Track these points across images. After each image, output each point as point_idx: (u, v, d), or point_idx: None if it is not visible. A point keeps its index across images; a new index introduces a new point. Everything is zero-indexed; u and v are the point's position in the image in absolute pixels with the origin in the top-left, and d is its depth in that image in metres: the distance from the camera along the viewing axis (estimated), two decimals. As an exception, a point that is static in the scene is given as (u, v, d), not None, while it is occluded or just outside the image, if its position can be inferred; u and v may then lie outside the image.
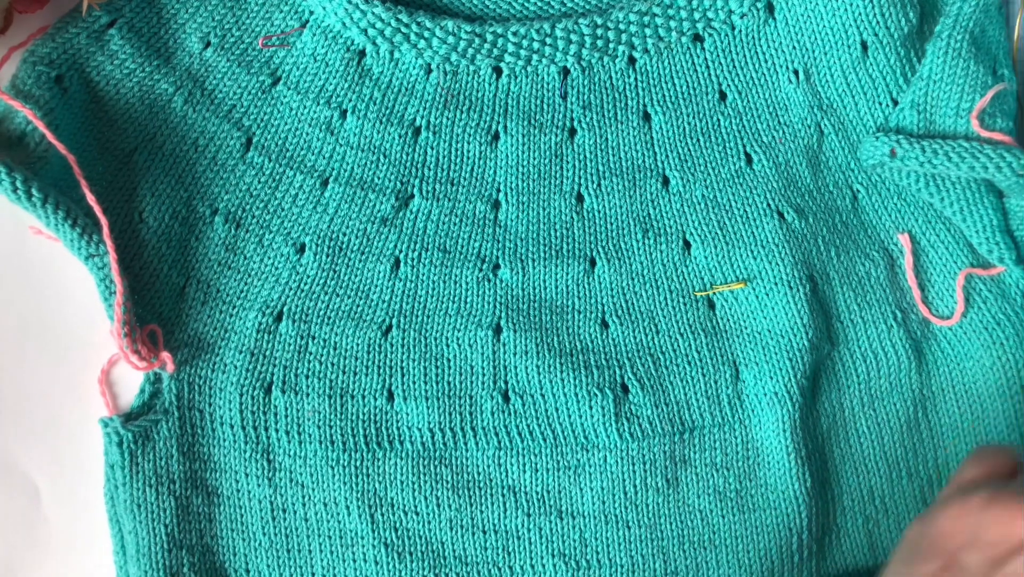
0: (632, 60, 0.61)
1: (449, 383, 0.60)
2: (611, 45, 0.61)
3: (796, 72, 0.61)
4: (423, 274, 0.60)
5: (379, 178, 0.61)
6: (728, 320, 0.60)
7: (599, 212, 0.61)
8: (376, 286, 0.60)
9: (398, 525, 0.60)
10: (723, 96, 0.61)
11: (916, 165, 0.57)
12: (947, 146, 0.56)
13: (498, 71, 0.61)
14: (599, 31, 0.60)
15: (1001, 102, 0.57)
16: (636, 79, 0.61)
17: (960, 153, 0.56)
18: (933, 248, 0.61)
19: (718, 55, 0.61)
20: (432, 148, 0.61)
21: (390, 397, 0.60)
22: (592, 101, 0.61)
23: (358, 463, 0.59)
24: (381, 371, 0.60)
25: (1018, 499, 0.45)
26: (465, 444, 0.60)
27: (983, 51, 0.58)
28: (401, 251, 0.60)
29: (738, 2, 0.60)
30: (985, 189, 0.59)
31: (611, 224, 0.61)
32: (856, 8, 0.59)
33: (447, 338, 0.60)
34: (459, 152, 0.61)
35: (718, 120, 0.61)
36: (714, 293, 0.60)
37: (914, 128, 0.58)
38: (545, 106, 0.61)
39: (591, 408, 0.59)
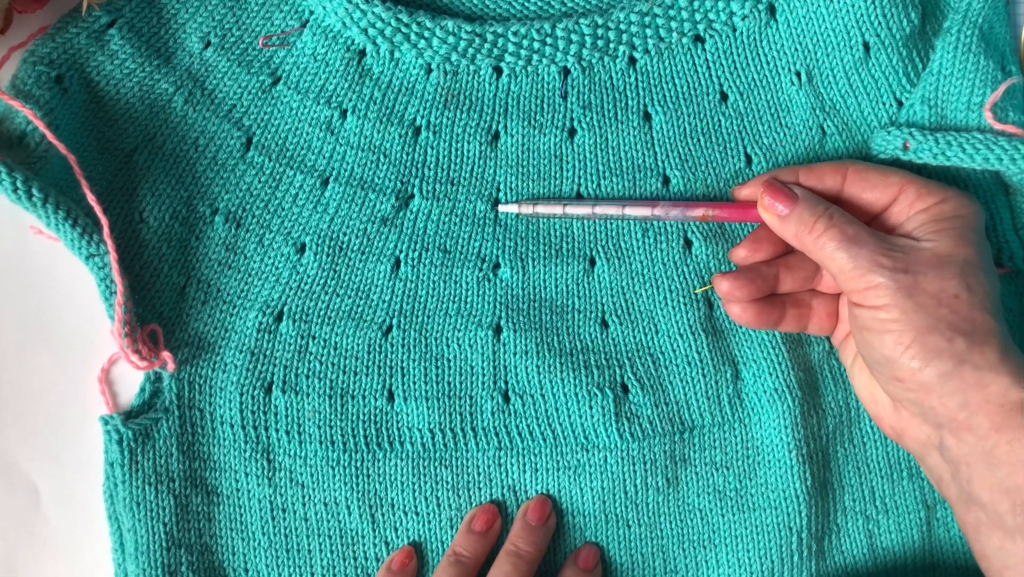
0: (633, 60, 0.61)
1: (449, 383, 0.60)
2: (612, 45, 0.60)
3: (798, 74, 0.61)
4: (423, 274, 0.60)
5: (379, 178, 0.61)
6: (728, 319, 0.60)
7: (599, 211, 0.61)
8: (376, 286, 0.60)
9: (398, 525, 0.60)
10: (724, 97, 0.61)
11: (930, 157, 0.56)
12: (961, 138, 0.56)
13: (498, 71, 0.61)
14: (600, 31, 0.60)
15: (1011, 97, 0.57)
16: (637, 79, 0.61)
17: (975, 144, 0.56)
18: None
19: (719, 56, 0.61)
20: (432, 148, 0.61)
21: (390, 397, 0.60)
22: (592, 101, 0.61)
23: (358, 463, 0.59)
24: (381, 371, 0.60)
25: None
26: (465, 444, 0.60)
27: (991, 47, 0.58)
28: (401, 251, 0.60)
29: (739, 4, 0.60)
30: (994, 188, 0.59)
31: (611, 223, 0.61)
32: (858, 9, 0.59)
33: (447, 338, 0.60)
34: (459, 152, 0.61)
35: (719, 121, 0.61)
36: (712, 288, 0.60)
37: (925, 122, 0.58)
38: (545, 106, 0.61)
39: (591, 408, 0.59)
